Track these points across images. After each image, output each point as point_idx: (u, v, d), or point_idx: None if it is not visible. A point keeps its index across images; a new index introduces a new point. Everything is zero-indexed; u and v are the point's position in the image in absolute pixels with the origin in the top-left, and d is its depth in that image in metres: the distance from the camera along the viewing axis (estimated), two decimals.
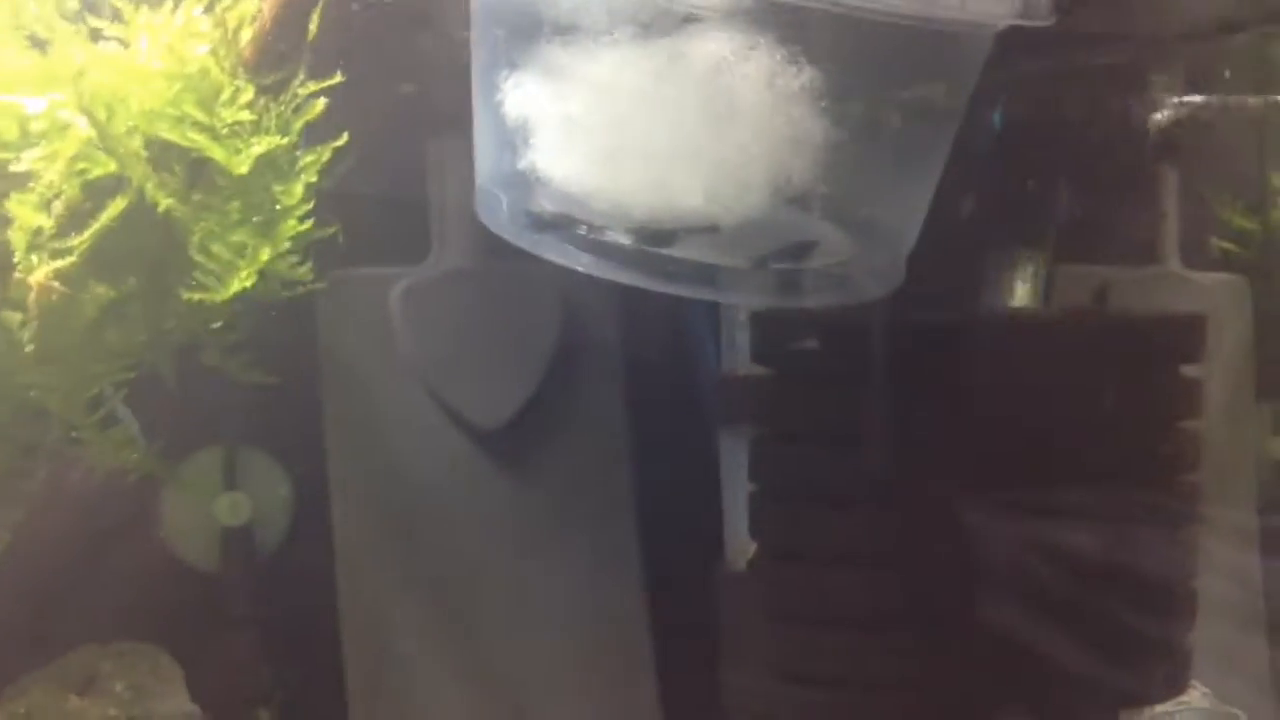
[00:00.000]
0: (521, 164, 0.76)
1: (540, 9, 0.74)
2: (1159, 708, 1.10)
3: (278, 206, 0.75)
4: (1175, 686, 1.03)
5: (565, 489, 1.12)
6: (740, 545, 1.08)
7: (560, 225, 0.78)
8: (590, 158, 0.75)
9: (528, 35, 0.75)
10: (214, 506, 1.07)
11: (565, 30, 0.73)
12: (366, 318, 1.09)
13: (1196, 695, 1.11)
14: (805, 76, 0.73)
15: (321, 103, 0.77)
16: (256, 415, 1.08)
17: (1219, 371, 1.13)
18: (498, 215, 0.81)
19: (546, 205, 0.78)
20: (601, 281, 0.81)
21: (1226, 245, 1.19)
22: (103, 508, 1.03)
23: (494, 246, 0.84)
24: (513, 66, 0.75)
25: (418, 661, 1.07)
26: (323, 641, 1.06)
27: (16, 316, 0.74)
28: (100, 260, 0.72)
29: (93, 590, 1.04)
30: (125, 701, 0.96)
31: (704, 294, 0.86)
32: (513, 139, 0.76)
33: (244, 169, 0.73)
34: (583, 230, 0.78)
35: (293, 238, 0.76)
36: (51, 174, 0.68)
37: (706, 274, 0.81)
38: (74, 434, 0.79)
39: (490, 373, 1.10)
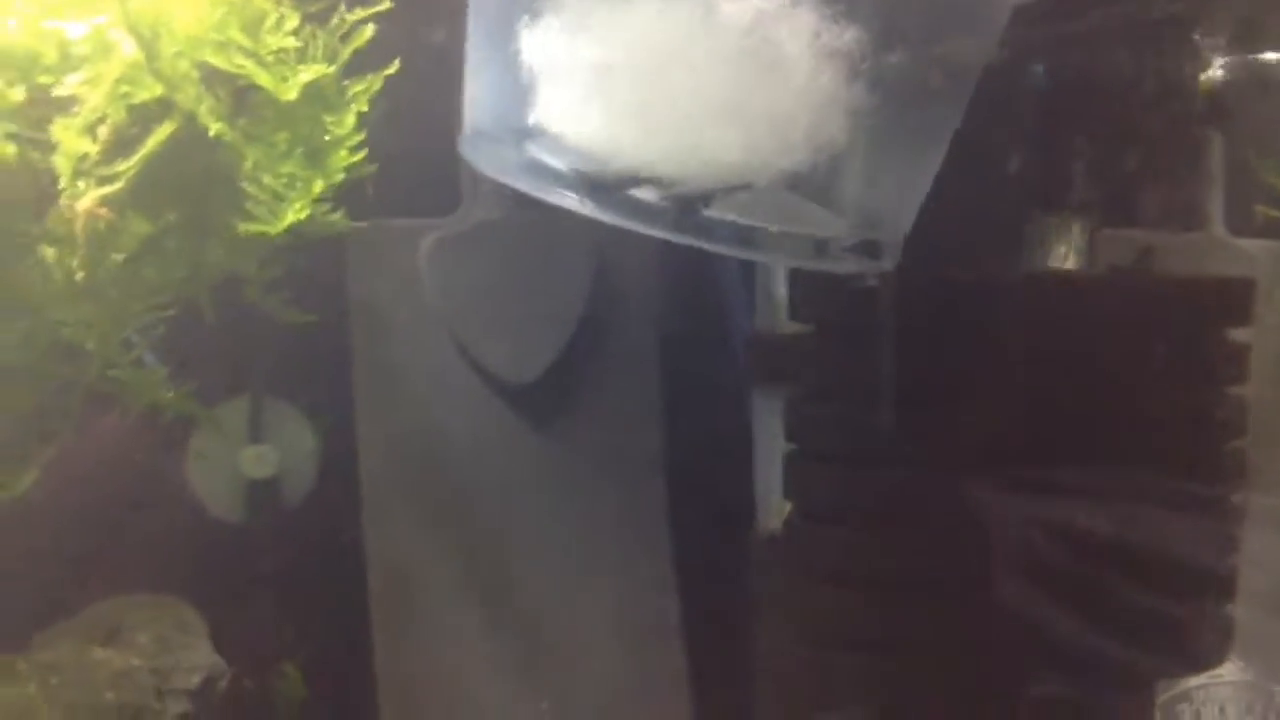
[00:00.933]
0: (534, 118, 0.74)
1: None
2: (1194, 680, 1.10)
3: (327, 137, 0.73)
4: (1212, 660, 1.01)
5: (595, 446, 1.10)
6: (773, 506, 1.07)
7: (617, 186, 0.76)
8: (618, 113, 0.73)
9: None
10: (239, 459, 1.05)
11: None
12: (396, 270, 1.07)
13: (1232, 669, 1.10)
14: (849, 35, 0.71)
15: (370, 29, 0.75)
16: (282, 367, 1.06)
17: (1262, 341, 1.11)
18: (497, 160, 0.78)
19: (560, 161, 0.76)
20: (634, 236, 0.79)
21: (1271, 212, 1.18)
22: (128, 460, 1.02)
23: (525, 199, 0.83)
24: (534, 14, 0.73)
25: (443, 617, 1.06)
26: (349, 596, 1.05)
27: (51, 251, 0.72)
28: (141, 191, 0.70)
29: (117, 543, 1.02)
30: (150, 653, 0.95)
31: (736, 252, 0.85)
32: (527, 91, 0.74)
33: (292, 95, 0.71)
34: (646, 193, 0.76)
35: (345, 169, 0.74)
36: (96, 98, 0.66)
37: (743, 233, 0.80)
38: (109, 372, 0.77)
39: (521, 328, 1.09)
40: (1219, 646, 1.00)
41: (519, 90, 0.74)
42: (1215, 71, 1.08)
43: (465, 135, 0.79)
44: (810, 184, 0.75)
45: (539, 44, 0.73)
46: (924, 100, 0.78)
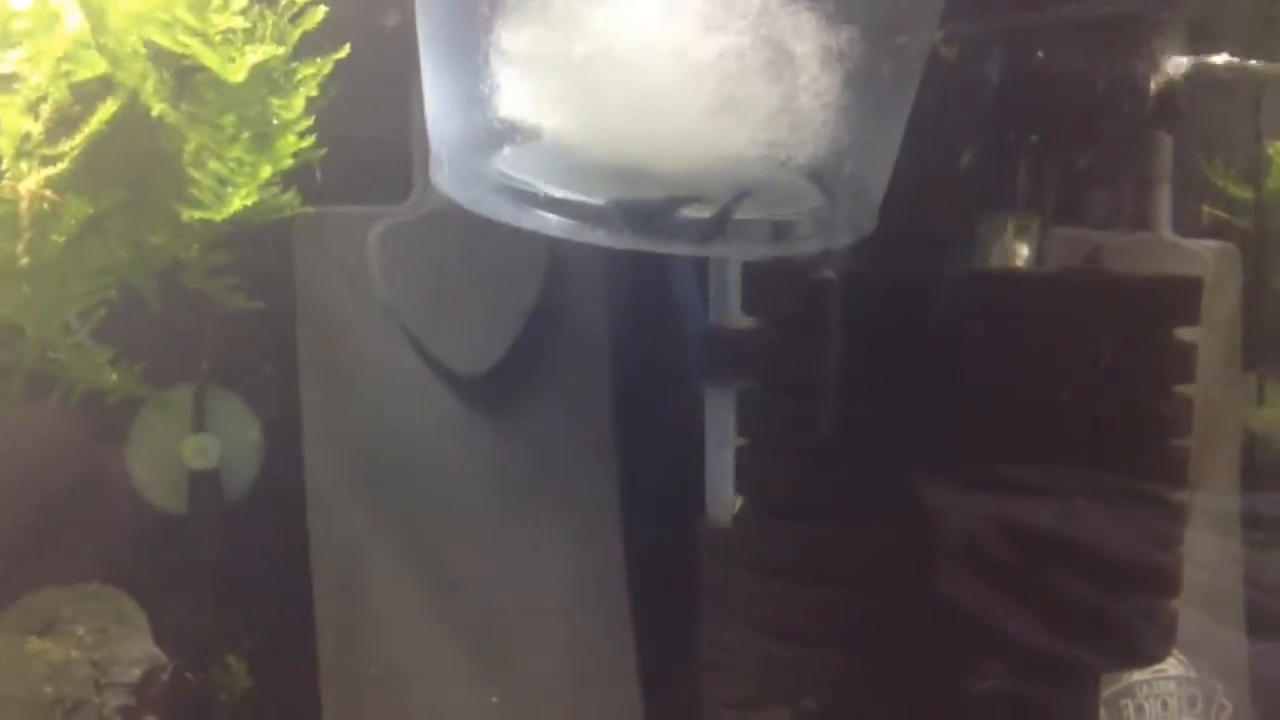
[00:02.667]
0: (504, 119, 0.73)
1: None
2: (1137, 675, 1.10)
3: (275, 121, 0.71)
4: (1155, 655, 1.02)
5: (545, 439, 1.10)
6: (723, 499, 1.07)
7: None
8: (619, 112, 0.72)
9: None
10: (181, 449, 1.03)
11: None
12: (345, 258, 1.05)
13: (1174, 664, 1.11)
14: (843, 34, 0.72)
15: (321, 11, 0.73)
16: (226, 355, 1.04)
17: (1208, 340, 1.12)
18: (462, 180, 0.77)
19: (530, 167, 0.75)
20: None
21: (1219, 213, 1.19)
22: (66, 448, 1.00)
23: None
24: (506, 16, 0.71)
25: (389, 609, 1.05)
26: (292, 588, 1.03)
27: None
28: (84, 172, 0.68)
29: (56, 532, 1.00)
30: (87, 645, 0.93)
31: (690, 250, 0.84)
32: (500, 95, 0.72)
33: (239, 77, 0.69)
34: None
35: (294, 154, 0.72)
36: (38, 75, 0.64)
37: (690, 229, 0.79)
38: (50, 355, 0.75)
39: (471, 319, 1.08)
40: (1162, 642, 1.01)
41: (483, 97, 0.72)
42: (1167, 72, 1.09)
43: (435, 159, 0.76)
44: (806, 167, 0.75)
45: (514, 48, 0.71)
46: (891, 80, 0.79)
